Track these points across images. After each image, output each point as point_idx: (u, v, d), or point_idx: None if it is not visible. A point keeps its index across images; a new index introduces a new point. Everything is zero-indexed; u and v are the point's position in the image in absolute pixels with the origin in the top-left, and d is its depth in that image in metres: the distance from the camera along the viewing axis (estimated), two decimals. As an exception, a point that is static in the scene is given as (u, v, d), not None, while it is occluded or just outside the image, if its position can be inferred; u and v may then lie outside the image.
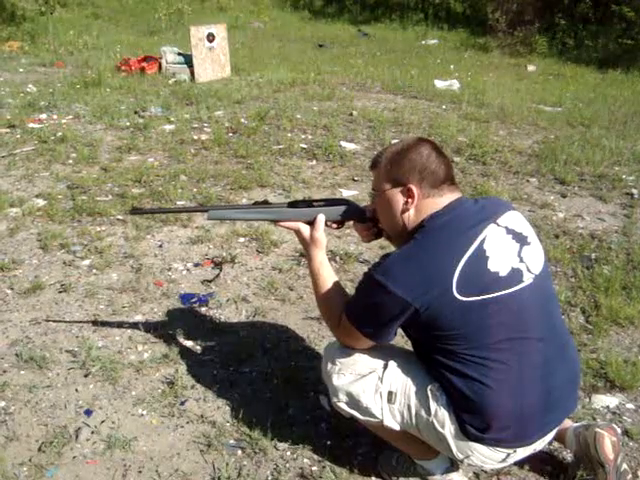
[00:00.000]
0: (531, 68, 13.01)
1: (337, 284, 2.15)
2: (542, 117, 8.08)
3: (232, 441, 2.49)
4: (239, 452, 2.43)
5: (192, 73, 10.42)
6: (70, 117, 7.62)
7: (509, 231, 1.84)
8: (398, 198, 1.92)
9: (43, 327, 3.24)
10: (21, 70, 11.22)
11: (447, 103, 8.89)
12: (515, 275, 1.79)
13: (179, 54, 10.86)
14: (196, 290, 3.63)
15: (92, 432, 2.55)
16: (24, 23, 15.75)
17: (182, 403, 2.71)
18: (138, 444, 2.49)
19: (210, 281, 3.71)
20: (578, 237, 4.43)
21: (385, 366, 1.97)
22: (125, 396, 2.76)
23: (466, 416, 1.82)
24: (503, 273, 1.76)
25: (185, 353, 3.04)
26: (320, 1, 22.27)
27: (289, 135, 6.77)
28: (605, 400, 2.74)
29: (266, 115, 7.48)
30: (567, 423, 2.22)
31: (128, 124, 7.22)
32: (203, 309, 3.45)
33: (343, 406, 2.06)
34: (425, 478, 2.21)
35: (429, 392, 1.87)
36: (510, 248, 1.81)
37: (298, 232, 2.26)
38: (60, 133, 6.60)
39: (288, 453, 2.43)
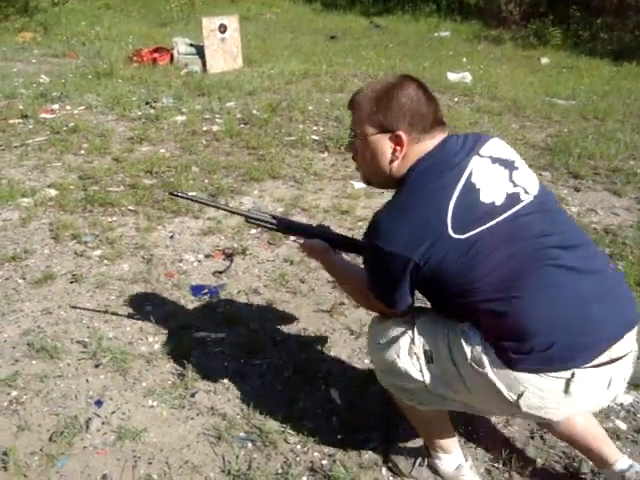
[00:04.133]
0: (544, 61, 12.89)
1: (353, 269, 2.13)
2: (555, 110, 8.00)
3: (242, 434, 2.48)
4: (249, 445, 2.42)
5: (204, 64, 10.39)
6: (82, 108, 7.62)
7: (494, 160, 1.74)
8: (384, 146, 1.78)
9: (54, 317, 3.24)
10: (34, 61, 11.24)
11: (459, 95, 8.82)
12: (512, 199, 1.69)
13: (191, 45, 10.83)
14: (207, 281, 3.62)
15: (102, 423, 2.55)
16: (37, 14, 15.75)
17: (192, 395, 2.70)
18: (148, 435, 2.49)
19: (221, 272, 3.70)
20: (592, 232, 4.38)
21: (413, 325, 1.86)
22: (135, 387, 2.76)
23: (503, 342, 1.66)
24: (499, 202, 1.67)
25: (195, 345, 3.03)
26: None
27: (301, 127, 6.74)
28: (619, 397, 2.71)
29: (278, 106, 7.45)
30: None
31: (140, 115, 7.21)
32: (214, 301, 3.43)
33: (384, 378, 1.99)
34: (436, 474, 2.19)
35: (460, 334, 1.73)
36: (500, 176, 1.72)
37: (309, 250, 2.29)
38: (72, 124, 6.61)
39: (298, 447, 2.42)
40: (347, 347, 3.06)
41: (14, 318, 3.23)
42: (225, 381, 2.80)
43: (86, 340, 3.05)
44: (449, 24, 17.51)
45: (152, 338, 3.08)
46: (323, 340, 3.12)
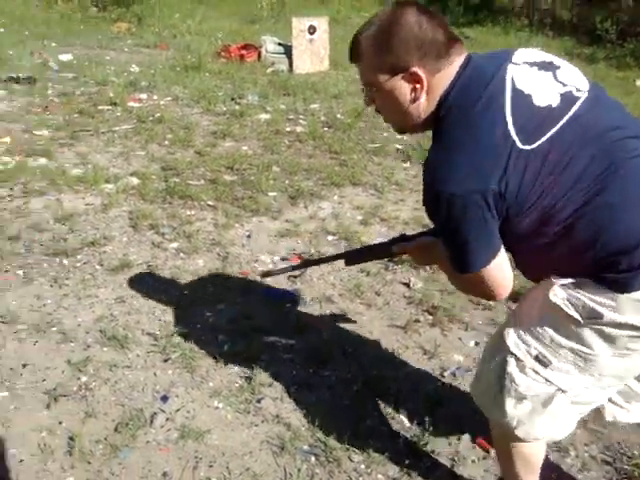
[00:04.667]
0: (640, 83, 12.43)
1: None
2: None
3: (306, 446, 2.41)
4: (312, 459, 2.36)
5: (290, 64, 10.43)
6: (169, 99, 7.74)
7: (532, 64, 1.56)
8: (402, 87, 1.57)
9: (127, 306, 3.26)
10: (126, 50, 11.52)
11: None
12: (568, 98, 1.52)
13: (279, 44, 10.89)
14: (281, 285, 3.58)
15: (167, 419, 2.53)
16: (133, 5, 16.13)
17: (258, 401, 2.66)
18: (211, 437, 2.45)
19: (296, 277, 3.65)
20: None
21: (504, 349, 1.68)
22: (202, 386, 2.73)
23: (608, 268, 1.48)
24: (555, 104, 1.49)
25: (265, 349, 2.99)
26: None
27: (384, 135, 6.65)
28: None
29: (362, 112, 7.38)
30: None
31: (224, 110, 7.27)
32: (287, 305, 3.39)
33: (519, 420, 1.72)
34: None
35: (554, 306, 1.55)
36: (544, 78, 1.54)
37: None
38: (158, 114, 6.71)
39: (362, 466, 2.34)
40: (419, 367, 2.96)
41: (89, 303, 3.27)
42: (292, 389, 2.74)
43: (157, 333, 3.04)
44: (540, 39, 17.07)
45: (222, 337, 3.05)
46: (395, 357, 3.03)
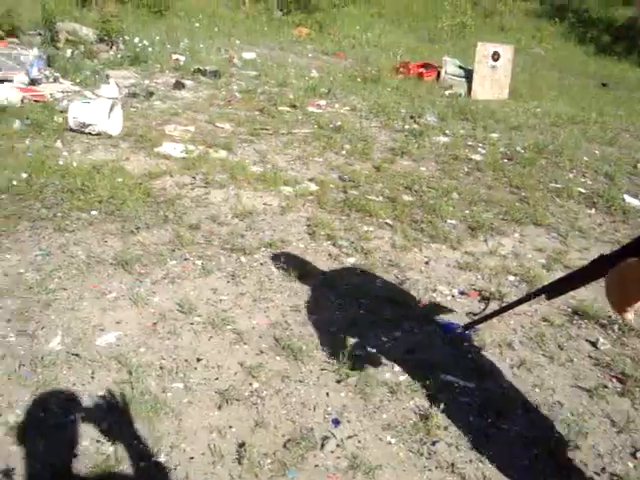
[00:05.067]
0: None
1: None
2: None
3: (483, 506, 2.20)
4: (488, 521, 2.14)
5: (469, 88, 10.18)
6: (347, 108, 7.72)
7: None
8: None
9: (302, 316, 3.16)
10: (309, 55, 11.70)
11: None
12: None
13: (460, 67, 10.67)
14: (460, 321, 3.37)
15: (337, 445, 2.38)
16: (315, 12, 16.46)
17: (433, 443, 2.46)
18: (382, 474, 2.28)
19: (476, 315, 3.43)
20: None
21: None
22: (375, 416, 2.57)
23: None
24: None
25: (443, 387, 2.78)
26: (608, 37, 20.96)
27: (568, 175, 6.27)
28: None
29: (544, 148, 7.02)
30: None
31: (403, 127, 7.15)
32: (465, 344, 3.17)
33: None
34: None
35: None
36: None
37: None
38: (338, 123, 6.68)
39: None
40: (607, 440, 2.65)
41: (264, 306, 3.20)
42: (469, 438, 2.52)
43: (331, 350, 2.92)
44: None
45: (398, 368, 2.88)
46: (579, 423, 2.73)
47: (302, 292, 3.39)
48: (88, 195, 4.29)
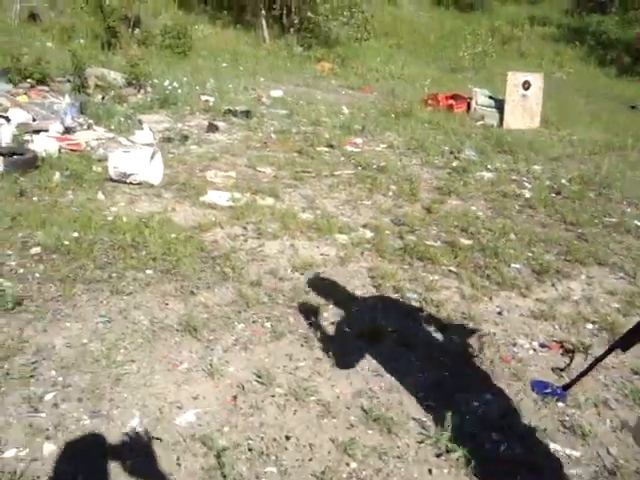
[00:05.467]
0: None
1: None
2: None
3: None
4: None
5: (501, 119, 10.04)
6: (384, 146, 7.60)
7: None
8: None
9: (386, 382, 2.99)
10: (336, 90, 11.66)
11: None
12: None
13: (490, 97, 10.55)
14: (545, 377, 3.17)
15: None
16: (336, 47, 16.46)
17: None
18: None
19: (562, 370, 3.23)
20: None
21: None
22: (484, 495, 2.39)
23: None
24: None
25: (545, 455, 2.60)
26: (629, 58, 20.81)
27: (620, 208, 6.09)
28: None
29: (590, 180, 6.85)
30: None
31: (444, 163, 7.01)
32: (559, 404, 2.97)
33: None
34: None
35: None
36: None
37: None
38: (382, 163, 6.55)
39: None
40: None
41: (345, 373, 3.02)
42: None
43: (424, 419, 2.74)
44: None
45: (496, 435, 2.69)
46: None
47: (379, 353, 3.21)
48: (140, 252, 4.15)
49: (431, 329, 3.51)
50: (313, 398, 2.82)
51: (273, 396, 2.81)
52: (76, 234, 4.34)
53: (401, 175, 6.33)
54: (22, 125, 7.21)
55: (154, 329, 3.29)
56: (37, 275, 3.79)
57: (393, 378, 3.02)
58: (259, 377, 2.91)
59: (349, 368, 3.06)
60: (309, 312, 3.52)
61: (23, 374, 2.83)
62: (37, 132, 7.08)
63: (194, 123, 8.29)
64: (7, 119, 7.34)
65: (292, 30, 16.90)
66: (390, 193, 5.79)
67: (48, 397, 2.71)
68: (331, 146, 7.25)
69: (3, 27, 12.37)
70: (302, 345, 3.23)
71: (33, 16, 14.18)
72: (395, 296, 3.83)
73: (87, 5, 14.65)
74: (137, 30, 14.78)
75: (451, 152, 7.46)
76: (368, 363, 3.12)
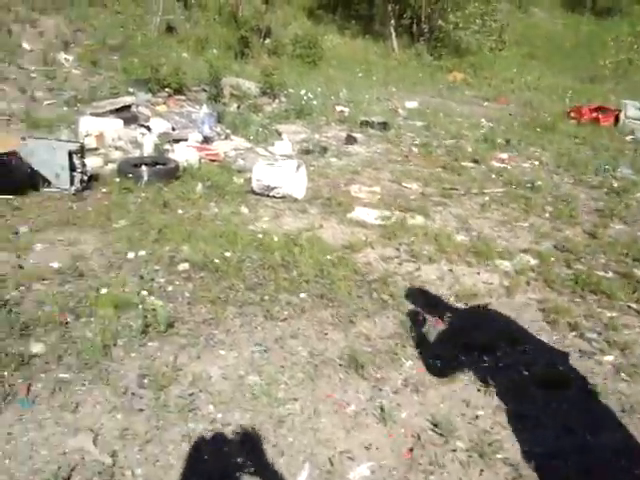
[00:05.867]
0: None
1: None
2: None
3: None
4: None
5: (653, 133, 9.36)
6: (531, 161, 7.17)
7: None
8: None
9: (578, 440, 2.63)
10: (466, 101, 11.27)
11: None
12: None
13: (640, 110, 9.88)
14: None
15: None
16: (467, 56, 16.04)
17: None
18: None
19: None
20: None
21: None
22: None
23: None
24: None
25: None
26: None
27: None
28: None
29: None
30: None
31: (599, 182, 6.52)
32: None
33: None
34: None
35: None
36: None
37: None
38: (536, 181, 6.15)
39: None
40: None
41: (530, 425, 2.69)
42: None
43: (629, 490, 2.39)
44: None
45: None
46: None
47: (567, 404, 2.85)
48: (291, 273, 3.98)
49: (621, 377, 3.11)
50: (499, 457, 2.50)
51: (454, 450, 2.52)
52: (223, 250, 4.21)
53: (555, 195, 5.92)
54: (163, 134, 7.30)
55: (315, 363, 3.06)
56: (187, 294, 3.66)
57: (589, 436, 2.66)
58: (435, 426, 2.64)
59: (535, 422, 2.73)
60: (480, 351, 3.21)
61: (181, 408, 2.65)
62: (177, 141, 7.15)
63: (331, 134, 8.17)
64: (148, 128, 7.47)
65: (422, 39, 16.62)
66: (546, 214, 5.40)
67: (208, 436, 2.53)
68: (476, 161, 6.91)
69: (144, 40, 12.72)
70: (479, 390, 2.91)
71: (170, 28, 14.59)
72: (572, 335, 3.46)
73: (220, 17, 14.96)
74: (268, 40, 14.95)
75: (605, 170, 6.94)
76: (555, 415, 2.78)
